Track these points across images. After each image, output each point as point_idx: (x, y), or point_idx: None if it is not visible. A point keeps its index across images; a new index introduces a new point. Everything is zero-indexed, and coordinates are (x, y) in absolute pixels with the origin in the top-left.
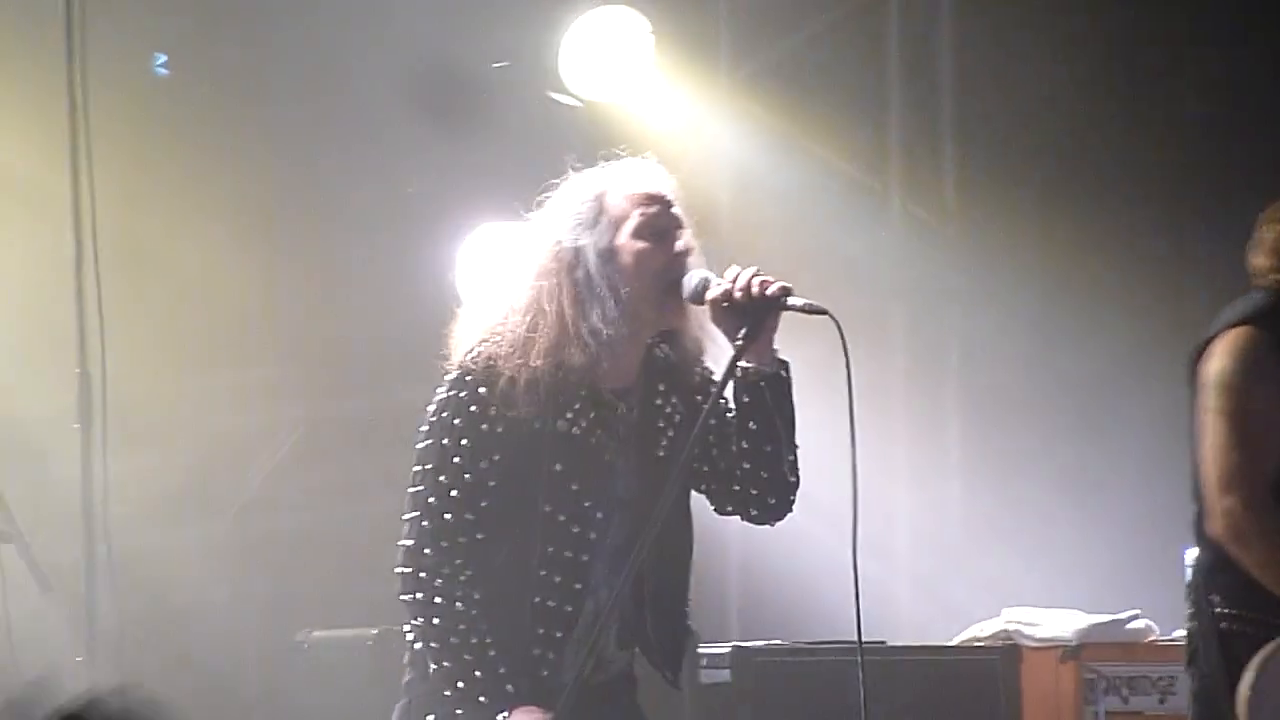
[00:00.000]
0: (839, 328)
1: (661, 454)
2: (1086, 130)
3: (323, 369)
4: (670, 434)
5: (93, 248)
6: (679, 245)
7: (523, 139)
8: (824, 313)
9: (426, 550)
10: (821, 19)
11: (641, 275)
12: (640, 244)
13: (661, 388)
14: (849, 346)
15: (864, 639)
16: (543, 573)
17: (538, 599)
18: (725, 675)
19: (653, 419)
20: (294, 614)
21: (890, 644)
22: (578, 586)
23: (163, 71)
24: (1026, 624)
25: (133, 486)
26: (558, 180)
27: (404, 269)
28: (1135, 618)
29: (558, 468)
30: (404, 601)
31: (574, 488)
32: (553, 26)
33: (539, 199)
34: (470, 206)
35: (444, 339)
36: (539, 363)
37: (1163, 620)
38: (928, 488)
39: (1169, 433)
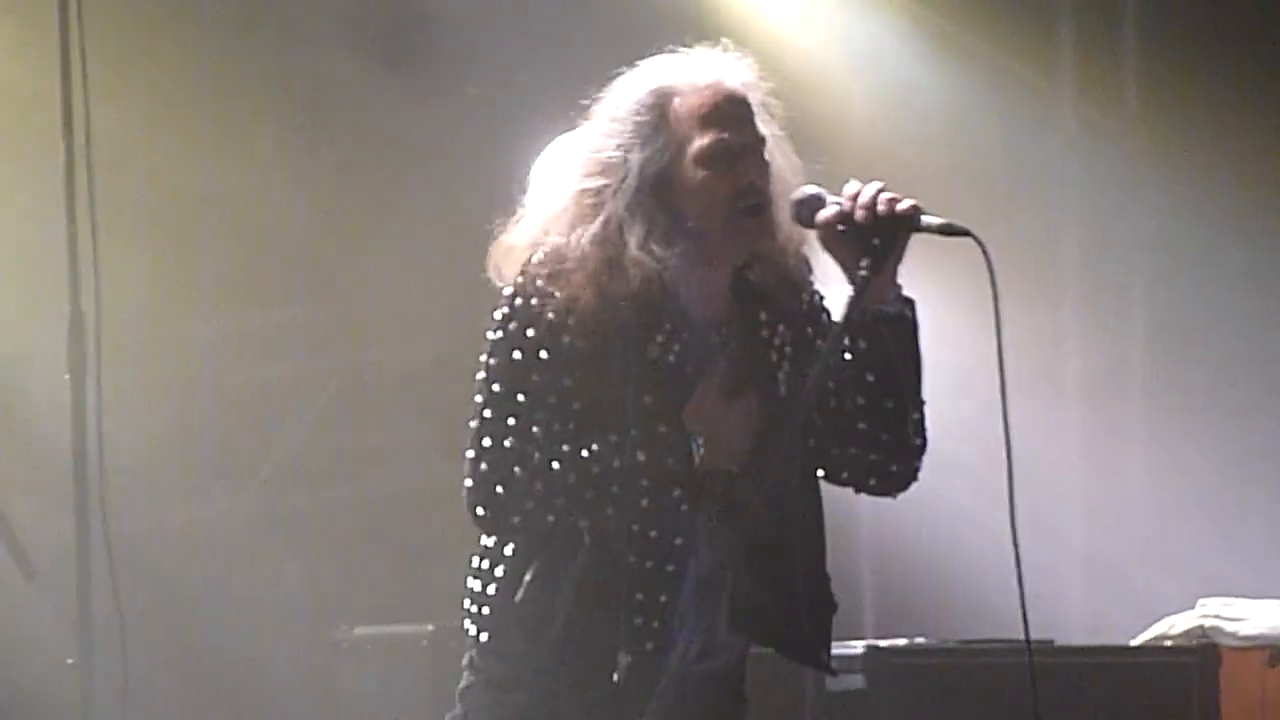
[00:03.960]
0: (985, 252)
1: (783, 391)
2: None
3: (363, 311)
4: (786, 368)
5: (85, 161)
6: (753, 174)
7: (606, 27)
8: (966, 233)
9: (498, 487)
10: None
11: (706, 208)
12: (704, 172)
13: (763, 316)
14: (999, 279)
15: (1031, 638)
16: (635, 526)
17: (633, 558)
18: (858, 681)
19: (760, 351)
20: (332, 607)
21: (1060, 644)
22: (678, 542)
23: None
24: (1227, 619)
25: (134, 451)
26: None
27: (462, 190)
28: None
29: (647, 400)
30: (469, 578)
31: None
32: None
33: (597, 96)
34: (544, 113)
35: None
36: (605, 278)
37: None
38: (1106, 456)
39: None
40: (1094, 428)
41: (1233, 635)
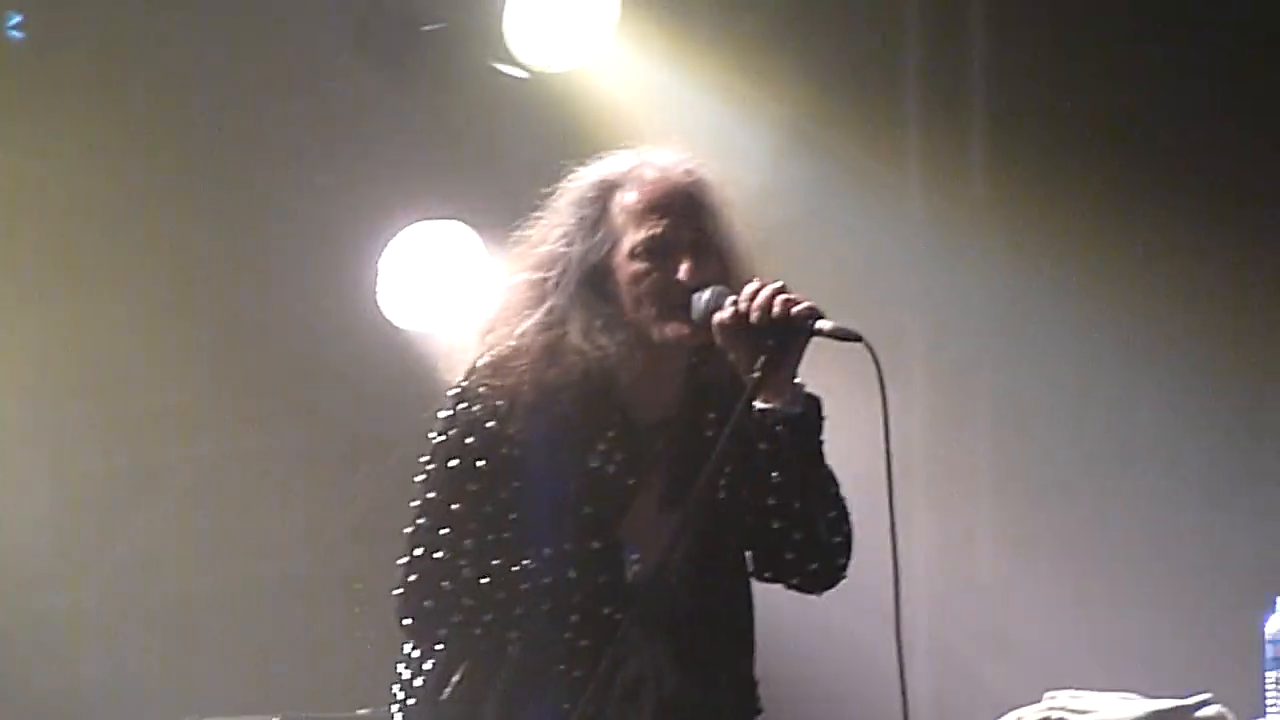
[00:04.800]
0: (875, 358)
1: (723, 495)
2: (1152, 103)
3: (216, 397)
4: (728, 471)
5: None
6: (683, 267)
7: (459, 118)
8: (858, 339)
9: (427, 600)
10: None
11: (638, 302)
12: (637, 265)
13: (711, 415)
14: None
15: None
16: (567, 635)
17: (562, 666)
18: None
19: (704, 455)
20: (179, 696)
21: None
22: (609, 651)
23: (17, 35)
24: (1074, 711)
25: None
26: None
27: (312, 277)
28: (1206, 703)
29: (585, 510)
30: (399, 664)
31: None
32: None
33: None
34: (396, 201)
35: (366, 364)
36: (550, 375)
37: (1240, 706)
38: (952, 547)
39: (1242, 478)
40: (940, 516)
41: None
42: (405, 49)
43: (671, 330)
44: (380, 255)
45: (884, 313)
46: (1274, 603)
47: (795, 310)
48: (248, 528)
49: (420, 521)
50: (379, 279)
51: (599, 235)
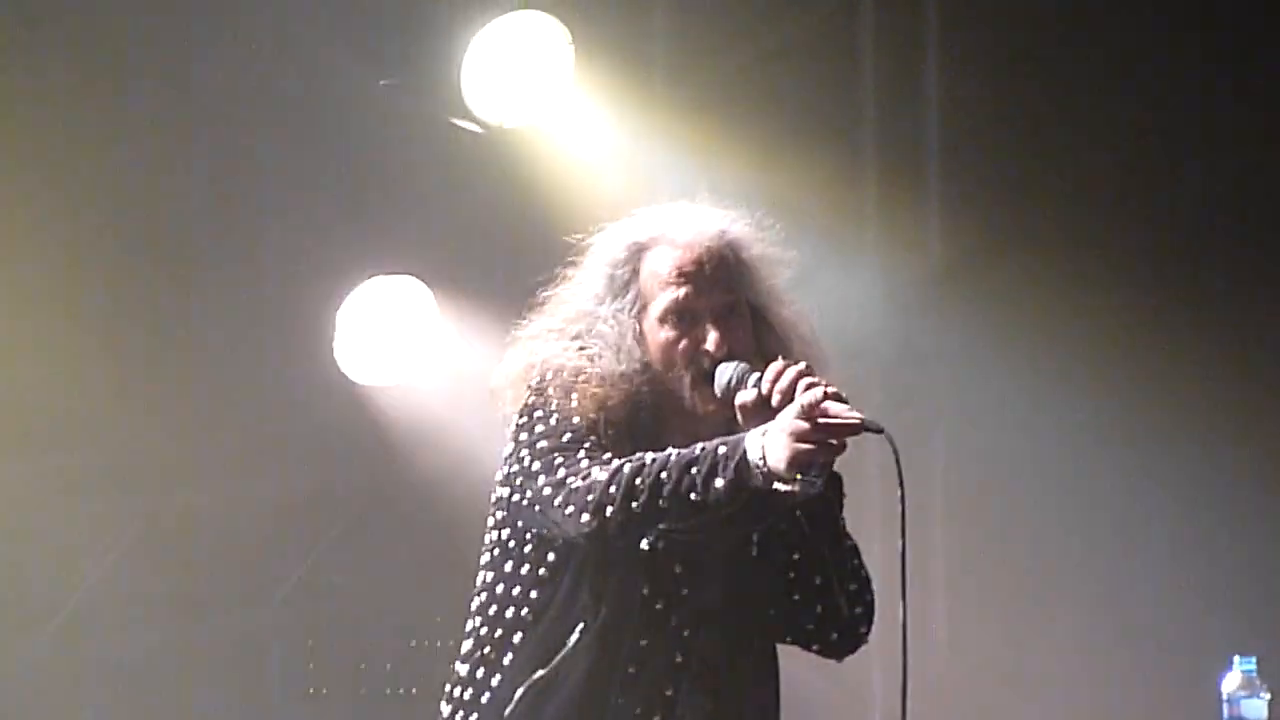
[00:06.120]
0: (895, 451)
1: (755, 553)
2: (1097, 172)
3: (166, 453)
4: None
5: None
6: (712, 337)
7: (415, 173)
8: (879, 431)
9: (633, 503)
10: (780, 31)
11: (667, 366)
12: (665, 332)
13: None
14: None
15: None
16: (631, 670)
17: (622, 700)
18: None
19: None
20: None
21: None
22: (669, 693)
23: None
24: None
25: None
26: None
27: (269, 335)
28: None
29: (660, 544)
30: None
31: (677, 570)
32: (453, 37)
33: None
34: (351, 257)
35: (319, 419)
36: (611, 398)
37: None
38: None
39: (1201, 537)
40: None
41: None
42: (361, 103)
43: (699, 400)
44: (336, 310)
45: (835, 376)
46: (1230, 661)
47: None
48: (199, 584)
49: (568, 439)
50: (335, 334)
51: (628, 297)
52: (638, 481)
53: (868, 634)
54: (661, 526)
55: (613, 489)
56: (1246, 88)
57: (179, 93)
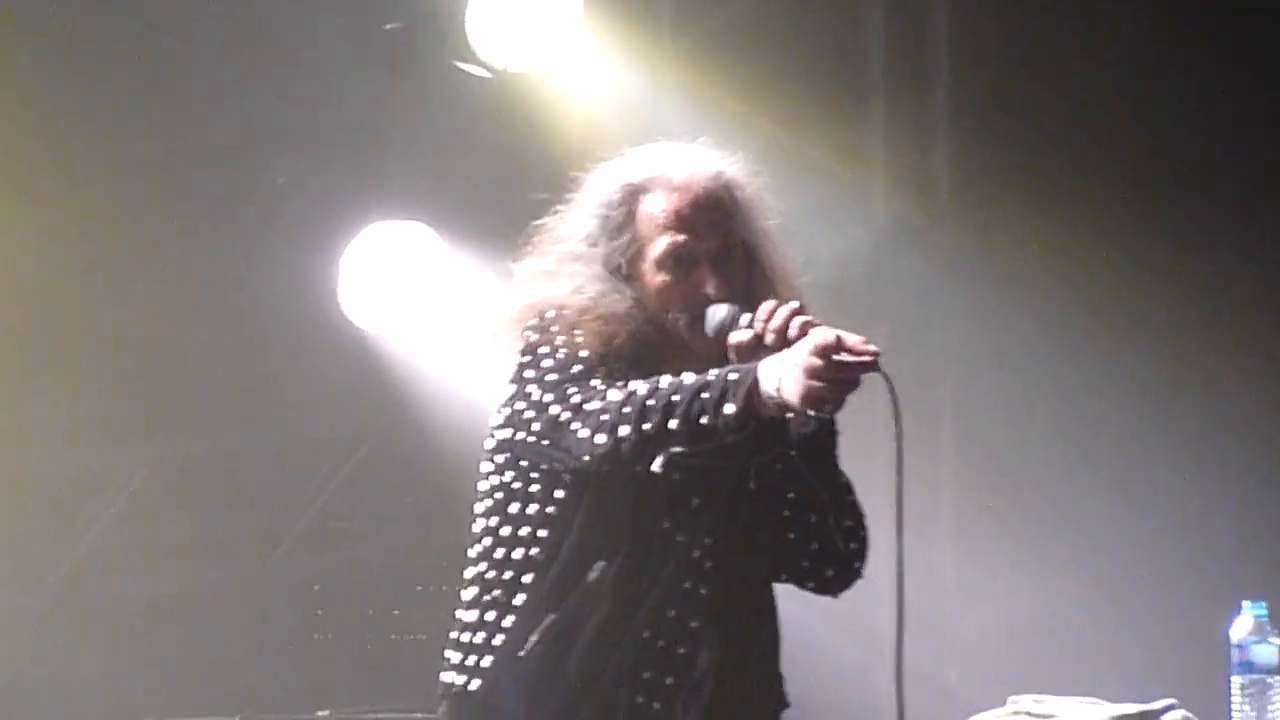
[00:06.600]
0: (891, 388)
1: (753, 486)
2: (1111, 106)
3: (168, 401)
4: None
5: None
6: (709, 282)
7: (421, 118)
8: (874, 368)
9: (645, 424)
10: None
11: (664, 310)
12: (660, 276)
13: None
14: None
15: None
16: (656, 603)
17: (647, 634)
18: None
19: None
20: (135, 700)
21: None
22: (694, 625)
23: None
24: (1038, 715)
25: None
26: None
27: (272, 280)
28: (1171, 708)
29: (676, 477)
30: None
31: (694, 502)
32: None
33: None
34: (357, 201)
35: (325, 365)
36: (613, 334)
37: (1204, 711)
38: (916, 554)
39: (1208, 481)
40: (905, 524)
41: None
42: (367, 47)
43: (695, 341)
44: (341, 255)
45: (845, 319)
46: (1239, 606)
47: (813, 332)
48: (205, 529)
49: (578, 370)
50: (340, 279)
51: (624, 239)
52: (650, 402)
53: (862, 569)
54: (671, 450)
55: (626, 409)
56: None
57: (182, 37)
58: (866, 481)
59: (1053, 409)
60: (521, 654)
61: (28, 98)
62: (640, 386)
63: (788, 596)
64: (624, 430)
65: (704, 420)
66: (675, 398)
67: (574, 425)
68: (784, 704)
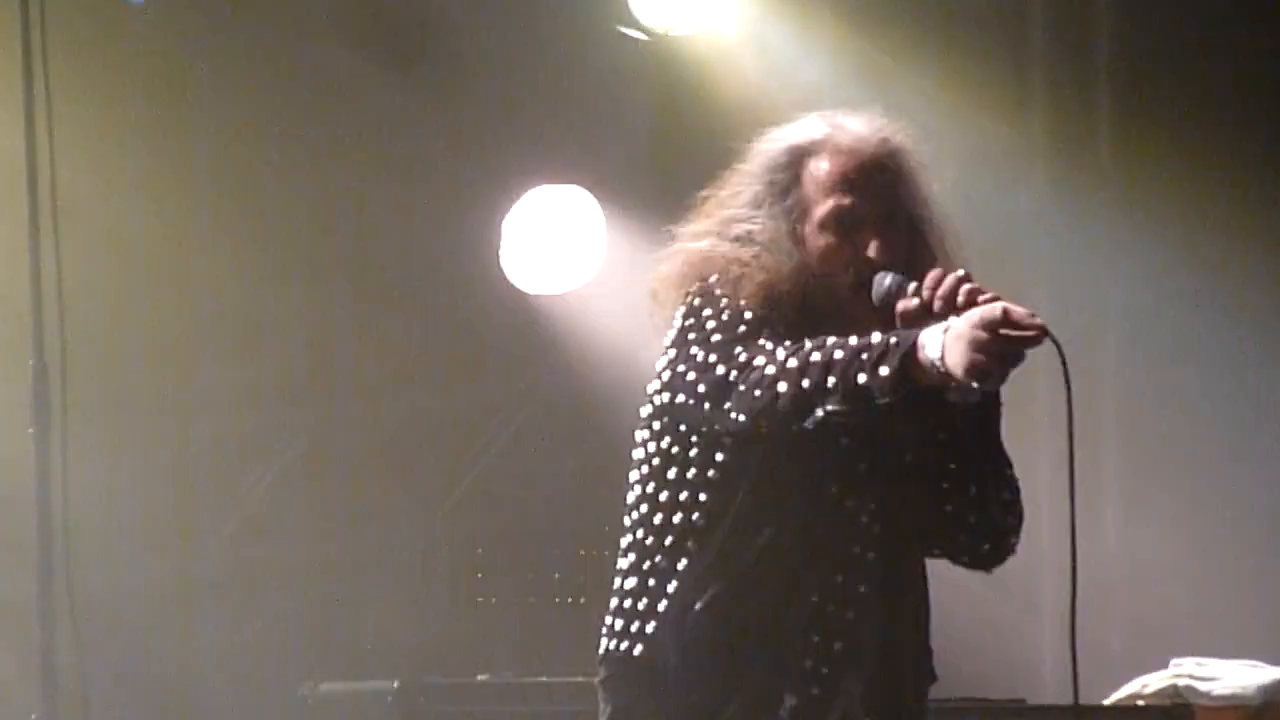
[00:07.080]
0: (1062, 356)
1: (909, 458)
2: (1274, 68)
3: (330, 366)
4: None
5: (51, 215)
6: (873, 245)
7: (582, 82)
8: (1038, 342)
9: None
10: None
11: (827, 272)
12: (824, 238)
13: None
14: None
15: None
16: (826, 567)
17: (816, 598)
18: None
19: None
20: (297, 663)
21: (1032, 703)
22: (862, 590)
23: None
24: (1201, 679)
25: (99, 507)
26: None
27: (435, 244)
28: None
29: (843, 441)
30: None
31: (862, 467)
32: None
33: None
34: (518, 166)
35: (487, 329)
36: (781, 291)
37: None
38: (1080, 519)
39: None
40: (1066, 488)
41: (1206, 695)
42: (528, 12)
43: (857, 306)
44: (503, 220)
45: (1005, 281)
46: None
47: (981, 300)
48: (368, 494)
49: (743, 330)
50: (502, 243)
51: (789, 201)
52: (815, 358)
53: (1015, 545)
54: (827, 408)
55: (791, 362)
56: None
57: (342, 13)
58: (1028, 446)
59: (1215, 368)
60: (688, 620)
61: (199, 108)
62: (805, 344)
63: (950, 566)
64: (783, 386)
65: (861, 379)
66: (838, 354)
67: (739, 383)
68: (933, 677)
